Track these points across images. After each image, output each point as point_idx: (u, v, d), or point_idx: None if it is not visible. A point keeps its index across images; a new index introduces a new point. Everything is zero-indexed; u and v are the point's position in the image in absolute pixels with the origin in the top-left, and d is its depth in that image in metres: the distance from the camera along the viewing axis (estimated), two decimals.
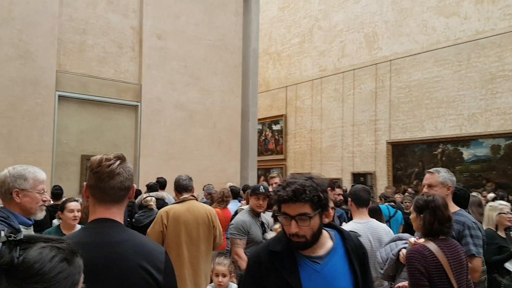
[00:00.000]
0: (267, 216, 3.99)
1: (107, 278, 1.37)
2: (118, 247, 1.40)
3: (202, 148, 8.79)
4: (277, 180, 5.41)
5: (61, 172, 7.44)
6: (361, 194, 3.44)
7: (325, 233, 1.70)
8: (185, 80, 8.74)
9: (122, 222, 1.51)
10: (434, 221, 2.48)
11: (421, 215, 2.49)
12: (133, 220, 5.22)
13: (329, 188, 5.07)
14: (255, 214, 3.79)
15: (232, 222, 3.89)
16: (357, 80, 11.33)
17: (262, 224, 3.82)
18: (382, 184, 10.58)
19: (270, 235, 3.75)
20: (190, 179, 3.77)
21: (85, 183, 1.53)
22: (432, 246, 2.46)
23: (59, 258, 0.88)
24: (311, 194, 1.57)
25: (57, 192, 5.61)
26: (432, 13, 9.77)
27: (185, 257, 3.43)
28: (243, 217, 3.77)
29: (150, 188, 5.80)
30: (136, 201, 5.64)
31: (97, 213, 1.47)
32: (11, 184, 2.03)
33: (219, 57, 9.28)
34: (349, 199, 3.49)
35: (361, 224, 3.35)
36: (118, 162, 1.48)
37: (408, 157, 10.08)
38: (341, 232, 1.75)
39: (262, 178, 12.78)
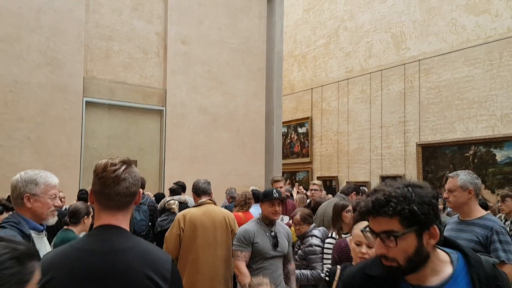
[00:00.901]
0: (284, 227, 3.59)
1: (110, 287, 1.33)
2: (123, 255, 1.36)
3: (226, 152, 8.79)
4: (281, 184, 5.28)
5: (89, 177, 7.56)
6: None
7: (443, 255, 1.35)
8: (208, 84, 8.77)
9: (128, 229, 1.47)
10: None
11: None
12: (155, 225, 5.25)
13: (354, 193, 4.90)
14: (267, 223, 3.39)
15: (236, 231, 3.66)
16: (385, 81, 11.09)
17: (275, 235, 3.36)
18: None
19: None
20: (209, 183, 3.76)
21: (90, 188, 1.50)
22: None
23: (9, 256, 0.93)
24: (398, 207, 1.24)
25: (83, 197, 5.70)
26: (462, 11, 9.45)
27: (201, 261, 3.41)
28: (247, 226, 3.41)
29: (173, 192, 5.82)
30: (159, 205, 5.67)
31: (102, 220, 1.44)
32: (22, 189, 2.03)
33: (242, 60, 9.27)
34: None
35: None
36: (123, 167, 1.44)
37: (439, 159, 9.77)
38: (466, 255, 1.36)
39: (288, 182, 12.69)
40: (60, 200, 6.08)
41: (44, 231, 2.15)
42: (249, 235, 3.30)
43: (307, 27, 13.42)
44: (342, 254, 3.19)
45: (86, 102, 7.54)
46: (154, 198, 6.33)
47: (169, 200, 5.60)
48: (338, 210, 3.91)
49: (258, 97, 9.46)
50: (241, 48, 9.28)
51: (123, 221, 1.45)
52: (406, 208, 1.24)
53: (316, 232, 3.95)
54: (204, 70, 8.74)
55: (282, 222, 4.81)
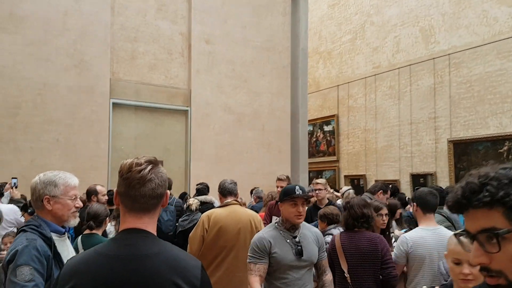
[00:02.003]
0: (311, 229, 2.98)
1: None
2: (149, 261, 1.29)
3: (251, 151, 8.74)
4: (284, 184, 4.91)
5: (117, 177, 7.64)
6: (428, 199, 3.17)
7: None
8: (233, 83, 8.73)
9: (155, 233, 1.40)
10: (349, 217, 3.16)
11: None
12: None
13: (380, 191, 4.73)
14: (288, 227, 2.82)
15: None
16: (414, 76, 10.80)
17: (298, 241, 2.79)
18: (443, 185, 9.93)
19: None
20: (235, 183, 3.69)
21: (115, 189, 1.45)
22: (337, 236, 3.26)
23: None
24: (500, 192, 0.87)
25: (111, 198, 5.75)
26: (493, 3, 9.09)
27: (220, 263, 3.35)
28: (263, 232, 2.85)
29: (198, 191, 5.80)
30: (185, 205, 5.66)
31: (127, 223, 1.37)
32: (42, 191, 2.00)
33: (267, 58, 9.19)
34: (414, 204, 3.24)
35: (428, 231, 3.09)
36: (149, 167, 1.37)
37: (471, 156, 9.44)
38: None
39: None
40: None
41: (66, 233, 2.13)
42: (264, 244, 2.73)
43: (332, 23, 13.22)
44: None
45: (112, 103, 7.62)
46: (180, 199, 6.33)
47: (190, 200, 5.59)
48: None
49: (283, 95, 9.36)
50: (266, 46, 9.20)
51: (149, 225, 1.38)
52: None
53: (334, 231, 3.73)
54: (228, 69, 8.71)
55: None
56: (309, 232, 2.91)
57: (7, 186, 5.38)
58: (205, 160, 8.24)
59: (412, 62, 10.78)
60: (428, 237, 3.05)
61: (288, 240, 2.77)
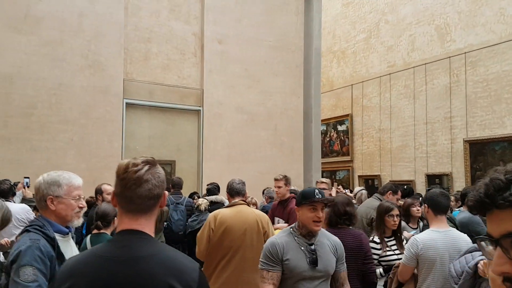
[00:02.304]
0: (331, 237, 2.71)
1: None
2: (145, 262, 1.28)
3: (263, 151, 8.72)
4: (281, 184, 4.80)
5: None
6: (439, 200, 3.11)
7: None
8: (245, 83, 8.73)
9: (152, 234, 1.40)
10: (333, 215, 3.23)
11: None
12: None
13: (389, 192, 4.65)
14: (304, 234, 2.59)
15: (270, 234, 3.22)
16: (429, 75, 10.65)
17: (314, 250, 2.55)
18: (459, 185, 9.83)
19: None
20: (244, 183, 3.68)
21: (112, 190, 1.44)
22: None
23: None
24: None
25: None
26: (511, 0, 8.91)
27: (226, 264, 3.34)
28: (276, 237, 2.64)
29: (209, 191, 5.82)
30: (195, 206, 5.69)
31: (124, 224, 1.37)
32: (45, 191, 2.00)
33: (280, 58, 9.16)
34: (425, 205, 3.19)
35: (439, 233, 3.03)
36: (146, 167, 1.36)
37: (488, 156, 9.27)
38: None
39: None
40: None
41: (70, 233, 2.14)
42: (277, 250, 2.52)
43: (346, 21, 13.12)
44: None
45: (126, 103, 7.69)
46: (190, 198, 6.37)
47: (199, 200, 5.62)
48: (381, 213, 3.75)
49: (296, 94, 9.33)
50: (279, 45, 9.18)
51: (146, 226, 1.37)
52: None
53: None
54: (241, 68, 8.71)
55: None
56: (327, 240, 2.68)
57: (19, 185, 5.46)
58: (217, 160, 8.26)
59: (427, 61, 10.64)
60: (439, 239, 3.00)
61: (302, 248, 2.55)
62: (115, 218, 3.38)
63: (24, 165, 6.66)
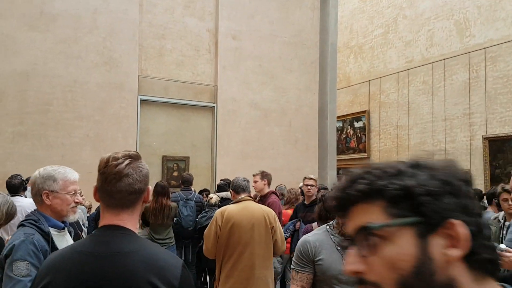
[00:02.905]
0: None
1: None
2: (125, 259, 1.25)
3: (277, 147, 8.67)
4: (257, 178, 4.84)
5: None
6: None
7: None
8: (260, 79, 8.68)
9: (136, 230, 1.37)
10: (323, 209, 3.14)
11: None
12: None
13: None
14: (343, 232, 2.29)
15: (277, 229, 3.27)
16: (448, 71, 10.41)
17: None
18: (478, 183, 9.60)
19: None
20: (248, 181, 3.67)
21: (95, 185, 1.42)
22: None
23: None
24: (378, 182, 0.70)
25: None
26: None
27: (236, 260, 3.30)
28: (310, 235, 2.39)
29: (219, 188, 5.82)
30: (206, 201, 5.69)
31: (105, 219, 1.34)
32: (41, 186, 1.99)
33: (294, 54, 9.08)
34: None
35: None
36: (127, 161, 1.34)
37: (508, 154, 9.02)
38: None
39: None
40: None
41: (66, 228, 2.13)
42: (308, 248, 2.28)
43: (363, 16, 12.93)
44: None
45: (140, 100, 7.73)
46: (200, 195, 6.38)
47: (210, 195, 5.61)
48: None
49: (311, 91, 9.24)
50: (294, 41, 9.09)
51: (128, 221, 1.34)
52: (395, 184, 0.69)
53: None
54: (255, 65, 8.66)
55: None
56: None
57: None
58: (231, 156, 8.24)
59: (446, 56, 10.40)
60: None
61: (338, 248, 2.28)
62: None
63: (40, 161, 6.75)
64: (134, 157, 1.38)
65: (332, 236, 2.33)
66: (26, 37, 6.87)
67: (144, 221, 5.12)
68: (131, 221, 1.35)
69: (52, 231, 1.99)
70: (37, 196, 2.02)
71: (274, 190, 4.65)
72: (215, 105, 8.29)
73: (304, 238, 2.39)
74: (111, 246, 1.28)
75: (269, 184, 5.05)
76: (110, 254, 1.26)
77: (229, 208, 3.45)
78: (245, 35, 8.59)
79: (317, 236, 2.34)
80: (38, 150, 6.86)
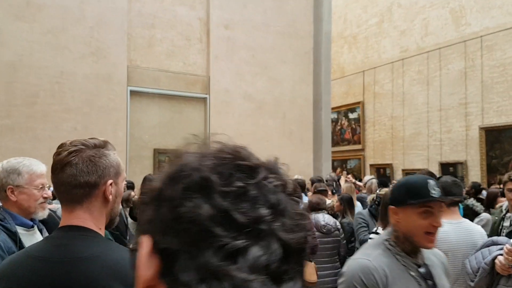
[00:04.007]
0: (433, 250, 1.80)
1: None
2: (83, 264, 1.09)
3: (272, 140, 8.51)
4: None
5: (135, 166, 7.60)
6: (451, 190, 2.88)
7: None
8: (253, 70, 8.50)
9: (99, 229, 1.18)
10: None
11: None
12: None
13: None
14: (408, 250, 1.66)
15: (345, 268, 1.78)
16: (444, 60, 10.30)
17: (427, 272, 1.67)
18: (474, 174, 9.54)
19: None
20: None
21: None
22: None
23: None
24: None
25: (129, 187, 5.64)
26: None
27: None
28: (370, 258, 1.63)
29: None
30: None
31: (64, 219, 1.17)
32: (4, 180, 1.81)
33: (288, 44, 8.89)
34: None
35: (452, 225, 2.80)
36: (74, 148, 1.15)
37: (504, 144, 8.94)
38: None
39: (339, 170, 12.24)
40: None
41: (35, 226, 1.93)
42: (376, 280, 1.57)
43: (357, 5, 12.76)
44: None
45: (130, 91, 7.52)
46: None
47: None
48: (386, 203, 3.52)
49: (305, 82, 9.07)
50: (287, 31, 8.90)
51: (88, 220, 1.15)
52: None
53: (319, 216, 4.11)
54: (248, 55, 8.47)
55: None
56: (433, 256, 1.81)
57: None
58: None
59: (441, 45, 10.28)
60: (451, 231, 2.76)
61: (412, 273, 1.63)
62: None
63: (28, 154, 6.48)
64: (87, 145, 1.18)
65: (398, 257, 1.65)
66: (13, 27, 6.63)
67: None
68: (92, 219, 1.17)
69: (20, 230, 1.81)
70: (1, 192, 1.83)
71: None
72: (207, 96, 8.10)
73: (361, 263, 1.62)
74: (69, 251, 1.11)
75: None
76: (68, 259, 1.10)
77: None
78: (237, 25, 8.39)
79: (381, 258, 1.62)
80: (25, 143, 6.64)
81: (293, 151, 8.62)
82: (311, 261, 3.77)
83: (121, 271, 1.08)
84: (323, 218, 4.20)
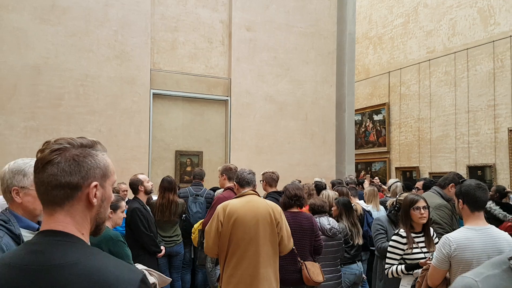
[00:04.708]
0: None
1: None
2: (59, 272, 1.00)
3: (293, 142, 8.42)
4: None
5: (157, 168, 7.66)
6: (476, 194, 2.70)
7: None
8: (275, 71, 8.44)
9: (81, 234, 1.10)
10: (285, 198, 3.80)
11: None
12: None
13: (451, 184, 4.15)
14: None
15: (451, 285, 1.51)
16: (472, 61, 9.99)
17: None
18: (503, 178, 9.21)
19: None
20: (254, 174, 3.45)
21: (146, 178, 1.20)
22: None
23: None
24: None
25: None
26: None
27: (240, 257, 3.08)
28: (479, 278, 1.31)
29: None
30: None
31: (43, 222, 1.09)
32: (10, 181, 1.75)
33: (311, 44, 8.80)
34: (460, 200, 2.80)
35: (476, 232, 2.66)
36: (57, 146, 1.08)
37: None
38: None
39: (363, 173, 12.04)
40: (125, 191, 6.16)
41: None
42: None
43: (383, 6, 12.53)
44: None
45: (153, 94, 7.59)
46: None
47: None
48: (406, 206, 3.41)
49: (328, 83, 8.95)
50: (310, 31, 8.81)
51: (69, 224, 1.08)
52: None
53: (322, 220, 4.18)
54: (270, 56, 8.42)
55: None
56: None
57: None
58: (246, 151, 8.05)
59: (469, 45, 9.98)
60: (476, 238, 2.62)
61: None
62: (113, 210, 3.17)
63: None
64: (76, 145, 1.11)
65: None
66: (38, 30, 6.78)
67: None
68: (73, 224, 1.09)
69: (25, 233, 1.74)
70: (6, 193, 1.78)
71: (232, 186, 4.39)
72: (228, 98, 8.09)
73: (466, 282, 1.33)
74: (45, 258, 1.03)
75: (229, 179, 4.77)
76: (44, 267, 1.01)
77: (232, 202, 3.22)
78: (259, 26, 8.35)
79: (491, 280, 1.31)
80: None
81: (315, 154, 8.52)
82: (316, 262, 3.75)
83: (100, 279, 1.01)
84: (328, 222, 4.19)
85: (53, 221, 1.08)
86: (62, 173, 1.07)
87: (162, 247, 4.71)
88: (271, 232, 3.18)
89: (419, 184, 5.65)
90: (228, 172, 4.79)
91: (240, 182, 3.38)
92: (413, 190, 5.78)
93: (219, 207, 3.18)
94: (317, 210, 4.26)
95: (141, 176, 4.78)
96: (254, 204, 3.21)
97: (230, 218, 3.08)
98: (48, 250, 1.04)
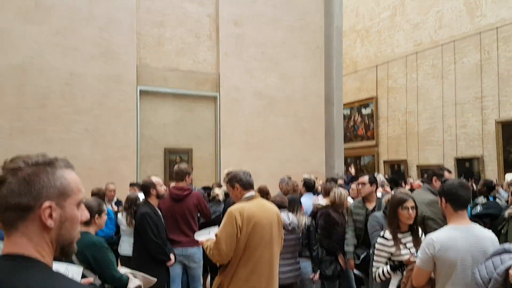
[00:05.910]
0: None
1: None
2: None
3: (283, 138, 8.39)
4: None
5: (146, 166, 7.57)
6: (459, 193, 2.68)
7: None
8: (263, 66, 8.37)
9: (43, 257, 1.02)
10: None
11: None
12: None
13: (434, 178, 4.14)
14: None
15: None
16: (459, 53, 10.07)
17: None
18: (491, 170, 9.33)
19: None
20: (250, 174, 3.41)
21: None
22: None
23: None
24: None
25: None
26: None
27: (257, 260, 3.05)
28: None
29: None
30: (211, 196, 5.45)
31: (4, 245, 1.03)
32: None
33: (299, 39, 8.74)
34: (443, 199, 2.78)
35: (460, 231, 2.64)
36: (11, 166, 1.02)
37: None
38: None
39: (353, 167, 12.07)
40: (113, 192, 6.05)
41: None
42: None
43: None
44: None
45: (140, 91, 7.47)
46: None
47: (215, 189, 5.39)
48: (394, 205, 3.37)
49: (317, 77, 8.92)
50: (298, 25, 8.75)
51: (26, 245, 1.00)
52: None
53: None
54: (258, 51, 8.35)
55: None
56: None
57: None
58: (236, 147, 7.99)
59: (456, 38, 10.05)
60: (460, 238, 2.58)
61: None
62: (97, 215, 3.08)
63: None
64: (31, 163, 1.04)
65: None
66: (22, 30, 6.63)
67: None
68: (31, 245, 1.02)
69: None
70: None
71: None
72: (217, 94, 8.02)
73: None
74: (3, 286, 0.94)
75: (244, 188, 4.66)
76: None
77: (246, 206, 3.14)
78: (247, 20, 8.27)
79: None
80: (36, 146, 6.62)
81: (305, 150, 8.49)
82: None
83: None
84: (287, 217, 4.30)
85: (11, 243, 1.01)
86: (12, 194, 1.00)
87: (171, 255, 4.22)
88: (279, 235, 3.23)
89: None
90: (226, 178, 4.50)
91: (244, 185, 3.30)
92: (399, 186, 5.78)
93: (234, 211, 3.06)
94: (278, 206, 4.20)
95: (154, 179, 4.31)
96: (266, 207, 3.20)
97: (249, 223, 3.01)
98: (3, 275, 0.95)
